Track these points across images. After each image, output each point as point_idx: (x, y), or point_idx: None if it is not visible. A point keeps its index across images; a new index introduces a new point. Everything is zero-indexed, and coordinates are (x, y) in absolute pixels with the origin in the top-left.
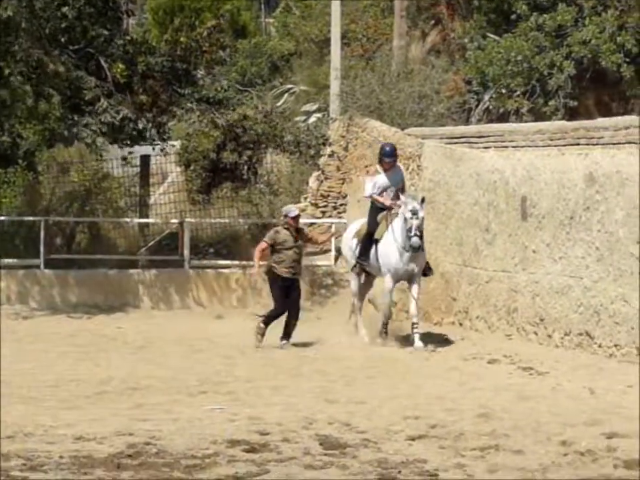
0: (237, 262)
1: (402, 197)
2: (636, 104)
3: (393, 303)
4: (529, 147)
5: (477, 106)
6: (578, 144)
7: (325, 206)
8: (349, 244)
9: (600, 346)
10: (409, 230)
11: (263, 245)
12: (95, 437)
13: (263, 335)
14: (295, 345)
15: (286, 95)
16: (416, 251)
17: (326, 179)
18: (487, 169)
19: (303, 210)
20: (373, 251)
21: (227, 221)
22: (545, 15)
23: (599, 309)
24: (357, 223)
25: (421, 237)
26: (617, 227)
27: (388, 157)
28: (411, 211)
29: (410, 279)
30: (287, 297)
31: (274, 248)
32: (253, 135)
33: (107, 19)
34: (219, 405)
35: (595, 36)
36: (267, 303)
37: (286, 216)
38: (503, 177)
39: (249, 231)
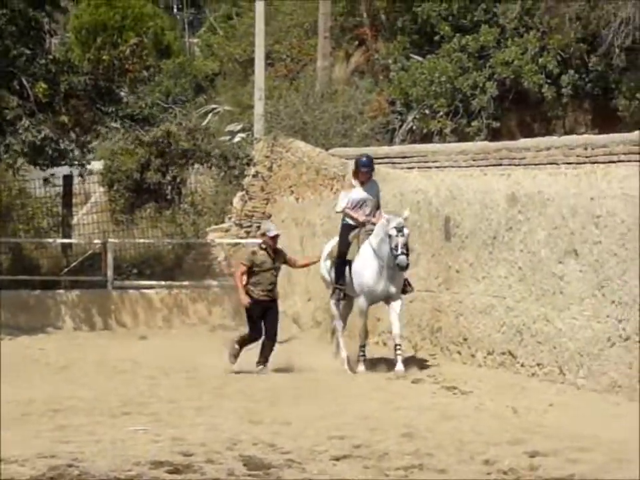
0: (161, 282)
1: (384, 214)
2: (557, 125)
3: (366, 325)
4: (452, 167)
5: (400, 126)
6: (500, 164)
7: (249, 226)
8: (323, 266)
9: (522, 365)
10: (395, 248)
11: (242, 268)
12: (17, 460)
13: (236, 356)
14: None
15: (210, 114)
16: (403, 269)
17: (250, 199)
18: (410, 189)
19: (226, 230)
20: (347, 272)
21: (150, 241)
22: (467, 36)
23: (522, 328)
24: (330, 243)
25: (407, 255)
26: (539, 246)
27: (365, 166)
28: (395, 227)
29: (388, 299)
30: (263, 320)
31: (250, 270)
32: (178, 152)
33: (30, 38)
34: (142, 426)
35: (517, 57)
36: (193, 322)
37: (264, 234)
38: (426, 197)
39: (173, 251)
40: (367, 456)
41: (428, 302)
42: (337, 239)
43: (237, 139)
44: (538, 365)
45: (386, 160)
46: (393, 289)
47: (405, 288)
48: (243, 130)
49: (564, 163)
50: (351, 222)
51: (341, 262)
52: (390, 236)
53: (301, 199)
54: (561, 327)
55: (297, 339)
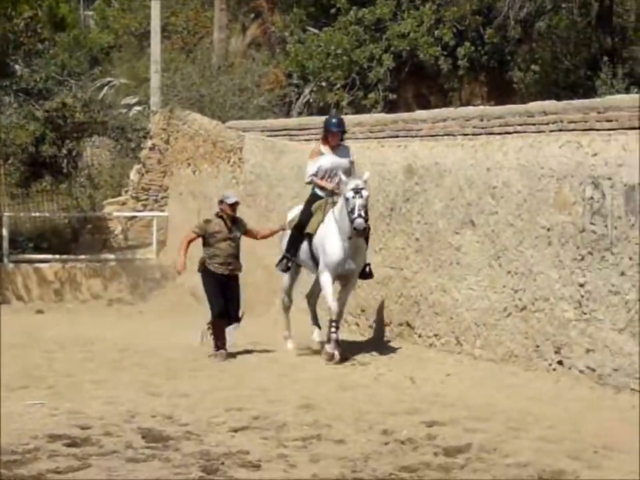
0: (57, 256)
1: (342, 177)
2: (454, 96)
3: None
4: (349, 139)
5: (297, 99)
6: (397, 136)
7: (146, 199)
8: (283, 237)
9: (420, 336)
10: (351, 211)
11: (190, 235)
12: None
13: (219, 346)
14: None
15: (106, 87)
16: (360, 234)
17: (147, 172)
18: (307, 161)
19: (123, 203)
20: (305, 245)
21: (46, 214)
22: (364, 9)
23: (419, 299)
24: (292, 211)
25: (365, 220)
26: (435, 217)
27: (336, 126)
28: (353, 189)
29: (346, 277)
30: (223, 296)
31: (205, 240)
32: (74, 125)
33: None
34: (39, 399)
35: (413, 29)
36: (86, 298)
37: (222, 202)
38: None
39: (69, 224)
40: (265, 427)
41: None
42: (298, 208)
43: (133, 112)
44: (435, 335)
45: (283, 132)
46: (352, 266)
47: (365, 272)
48: (139, 103)
49: (460, 135)
50: (319, 192)
51: (298, 232)
52: (347, 199)
53: (198, 171)
54: (457, 298)
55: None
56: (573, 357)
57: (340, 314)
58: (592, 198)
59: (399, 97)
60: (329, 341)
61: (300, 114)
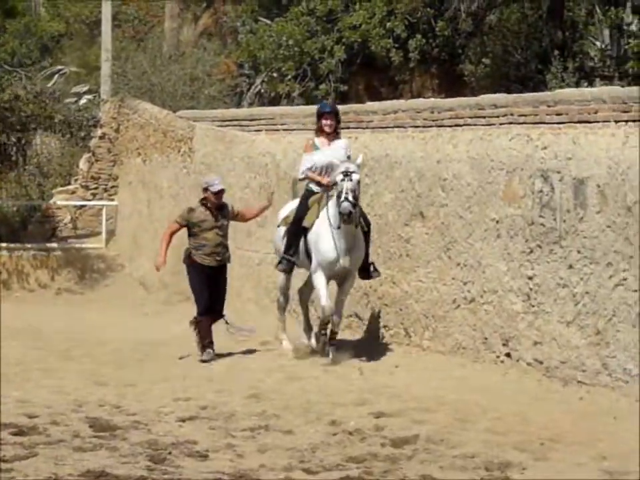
0: (3, 244)
1: (334, 162)
2: (405, 89)
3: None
4: (301, 130)
5: (248, 89)
6: (348, 127)
7: (95, 188)
8: (277, 233)
9: (369, 327)
10: (339, 195)
11: (172, 227)
12: None
13: (204, 344)
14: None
15: (56, 76)
16: (348, 220)
17: (97, 161)
18: (258, 151)
19: (73, 192)
20: (302, 242)
21: None
22: (315, 0)
23: (368, 290)
24: (287, 207)
25: (354, 205)
26: (386, 209)
27: (329, 113)
28: (342, 172)
29: (342, 277)
30: (210, 289)
31: (190, 230)
32: (22, 117)
33: None
34: None
35: (365, 21)
36: (34, 287)
37: (206, 189)
38: (274, 159)
39: (18, 213)
40: (213, 417)
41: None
42: (296, 202)
43: (83, 101)
44: (384, 326)
45: (234, 122)
46: (347, 263)
47: (369, 270)
48: (89, 91)
49: (411, 127)
50: (314, 188)
51: (295, 229)
52: (336, 183)
53: (148, 160)
54: (407, 289)
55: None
56: (520, 349)
57: (338, 320)
58: (541, 191)
59: (350, 89)
60: (317, 340)
61: (251, 104)
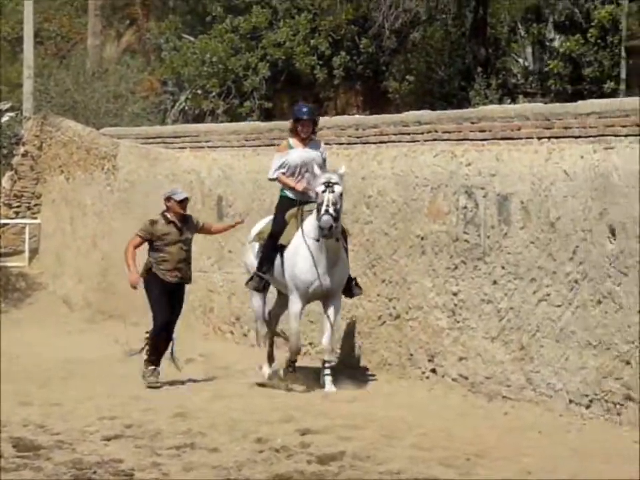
0: None
1: (315, 170)
2: (329, 106)
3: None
4: (225, 147)
5: (172, 106)
6: (273, 144)
7: (18, 206)
8: (250, 250)
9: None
10: (319, 207)
11: (135, 240)
12: None
13: (153, 362)
14: None
15: None
16: (328, 235)
17: (19, 178)
18: (182, 169)
19: None
20: (278, 260)
21: None
22: (240, 17)
23: None
24: (262, 222)
25: (335, 219)
26: None
27: (306, 114)
28: (324, 183)
29: (326, 298)
30: (169, 307)
31: (152, 244)
32: None
33: None
34: None
35: (289, 38)
36: None
37: (169, 199)
38: (198, 177)
39: None
40: (139, 435)
41: (201, 282)
42: (268, 218)
43: (5, 118)
44: (310, 344)
45: (158, 140)
46: (328, 283)
47: (351, 288)
48: (12, 109)
49: (336, 144)
50: (289, 194)
51: (271, 244)
52: (317, 194)
53: (72, 178)
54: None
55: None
56: (446, 365)
57: (328, 348)
58: (465, 207)
59: (274, 106)
60: (284, 374)
61: (175, 121)
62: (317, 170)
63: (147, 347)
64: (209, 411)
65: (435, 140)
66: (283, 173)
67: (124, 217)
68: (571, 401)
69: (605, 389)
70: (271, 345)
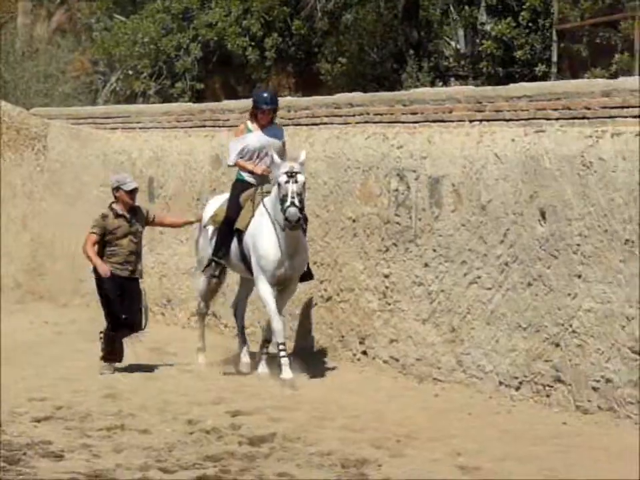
0: None
1: (275, 159)
2: (261, 87)
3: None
4: (156, 128)
5: (103, 87)
6: (204, 126)
7: None
8: (203, 234)
9: (226, 326)
10: (283, 198)
11: (92, 238)
12: None
13: (112, 358)
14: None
15: None
16: (294, 227)
17: None
18: (113, 150)
19: None
20: (234, 244)
21: None
22: None
23: (225, 289)
24: (213, 203)
25: (301, 209)
26: None
27: (267, 104)
28: (286, 173)
29: (285, 283)
30: (122, 302)
31: (104, 238)
32: None
33: None
34: None
35: (221, 19)
36: None
37: (117, 189)
38: (130, 158)
39: None
40: (69, 417)
41: None
42: (223, 198)
43: None
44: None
45: (89, 120)
46: (289, 270)
47: (305, 275)
48: None
49: None
50: (247, 177)
51: (227, 229)
52: (279, 185)
53: (2, 159)
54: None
55: None
56: (377, 347)
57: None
58: (397, 190)
59: (206, 87)
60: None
61: (106, 102)
62: (276, 158)
63: (102, 346)
64: (139, 393)
65: (366, 122)
66: (241, 157)
67: (54, 197)
68: (500, 383)
69: (535, 371)
70: (242, 330)
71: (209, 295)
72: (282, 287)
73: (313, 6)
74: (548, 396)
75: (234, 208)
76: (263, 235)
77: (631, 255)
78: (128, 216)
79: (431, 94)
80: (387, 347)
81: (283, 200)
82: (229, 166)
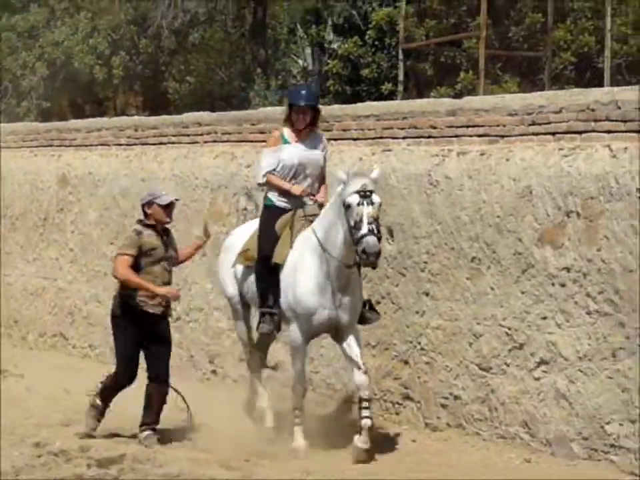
0: None
1: (341, 175)
2: (109, 106)
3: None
4: (3, 148)
5: None
6: (51, 145)
7: None
8: (228, 274)
9: (74, 347)
10: (356, 225)
11: (126, 260)
12: None
13: (98, 418)
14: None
15: None
16: (373, 263)
17: None
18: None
19: None
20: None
21: None
22: (17, 16)
23: (73, 309)
24: (239, 233)
25: (378, 237)
26: (90, 227)
27: (304, 100)
28: (358, 192)
29: (337, 332)
30: (146, 349)
31: (134, 262)
32: None
33: None
34: None
35: (67, 37)
36: None
37: (150, 204)
38: None
39: None
40: None
41: None
42: (251, 228)
43: None
44: (90, 346)
45: None
46: (344, 316)
47: (366, 313)
48: None
49: (115, 145)
50: (278, 201)
51: (266, 268)
52: (349, 206)
53: None
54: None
55: None
56: (226, 367)
57: (367, 387)
58: (245, 209)
59: (52, 106)
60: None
61: None
62: (342, 175)
63: (103, 388)
64: None
65: (215, 141)
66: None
67: None
68: (347, 401)
69: (384, 389)
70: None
71: (263, 347)
72: (337, 334)
73: (159, 24)
74: (397, 413)
75: (268, 237)
76: (303, 271)
77: (477, 273)
78: (163, 236)
79: (278, 112)
80: (236, 366)
81: (356, 227)
82: (258, 184)
